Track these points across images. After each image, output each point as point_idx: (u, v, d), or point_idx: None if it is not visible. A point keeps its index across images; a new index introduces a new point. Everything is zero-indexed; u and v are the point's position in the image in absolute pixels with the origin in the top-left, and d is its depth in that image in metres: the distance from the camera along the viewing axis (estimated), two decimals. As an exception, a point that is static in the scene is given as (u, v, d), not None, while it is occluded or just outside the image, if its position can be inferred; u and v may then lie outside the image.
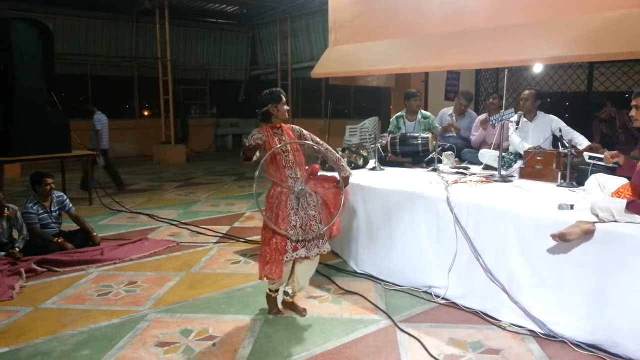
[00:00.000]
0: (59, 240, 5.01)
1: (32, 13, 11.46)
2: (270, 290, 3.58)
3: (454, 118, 6.15)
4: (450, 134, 5.90)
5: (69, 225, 5.48)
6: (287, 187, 3.36)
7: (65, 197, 5.43)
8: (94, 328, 3.41)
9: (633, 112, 3.19)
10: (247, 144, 3.31)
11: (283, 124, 3.46)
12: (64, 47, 12.82)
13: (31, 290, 4.15)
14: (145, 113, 15.64)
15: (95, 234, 5.33)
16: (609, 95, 6.03)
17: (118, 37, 14.23)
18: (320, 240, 3.46)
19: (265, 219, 3.33)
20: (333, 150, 3.63)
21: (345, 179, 3.54)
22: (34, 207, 5.07)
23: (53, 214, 5.23)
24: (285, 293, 3.62)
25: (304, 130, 3.55)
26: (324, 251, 3.49)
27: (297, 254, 3.37)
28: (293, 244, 3.34)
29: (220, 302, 3.84)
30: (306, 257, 3.41)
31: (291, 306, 3.62)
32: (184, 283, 4.26)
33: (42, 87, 7.07)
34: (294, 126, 3.53)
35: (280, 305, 3.63)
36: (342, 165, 3.56)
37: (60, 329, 3.40)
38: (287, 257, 3.33)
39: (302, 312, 3.58)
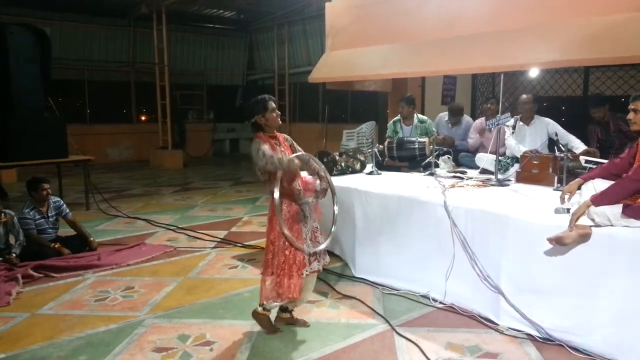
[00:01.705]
0: (56, 246, 5.00)
1: (29, 18, 11.45)
2: (264, 309, 3.34)
3: (450, 125, 6.20)
4: (445, 148, 5.76)
5: (66, 231, 5.47)
6: (294, 199, 3.23)
7: (62, 202, 5.42)
8: (91, 334, 3.40)
9: (631, 116, 3.22)
10: (270, 161, 3.05)
11: (278, 134, 3.33)
12: (61, 52, 12.80)
13: (28, 296, 4.13)
14: (143, 118, 15.63)
15: (92, 239, 5.32)
16: (605, 100, 6.05)
17: (115, 42, 14.22)
18: (323, 252, 3.38)
19: (289, 237, 3.10)
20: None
21: (325, 191, 3.39)
22: (31, 213, 5.06)
23: (50, 219, 5.22)
24: (284, 309, 3.47)
25: (294, 142, 3.42)
26: (327, 262, 3.43)
27: (312, 268, 3.24)
28: (308, 258, 3.21)
29: (218, 307, 3.83)
30: (318, 270, 3.31)
31: (290, 321, 3.50)
32: (181, 288, 4.25)
33: (39, 92, 7.05)
34: (286, 136, 3.41)
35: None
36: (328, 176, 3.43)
37: (57, 335, 3.39)
38: (306, 271, 3.18)
39: (304, 324, 3.51)
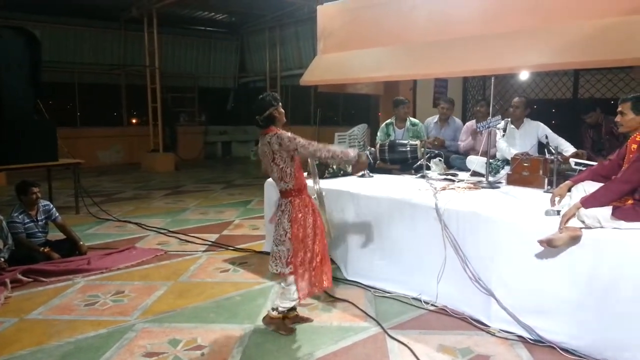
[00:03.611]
0: (45, 250, 4.95)
1: (19, 21, 11.38)
2: (278, 312, 3.38)
3: (439, 126, 6.19)
4: (436, 150, 5.66)
5: (55, 235, 5.42)
6: (306, 192, 3.34)
7: (51, 205, 5.37)
8: (81, 339, 3.37)
9: (618, 118, 3.27)
10: (312, 146, 3.15)
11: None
12: (52, 55, 12.72)
13: (17, 300, 4.09)
14: (133, 121, 15.56)
15: (81, 243, 5.27)
16: (595, 102, 6.10)
17: (106, 45, 14.17)
18: None
19: (328, 227, 3.31)
20: None
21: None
22: (20, 217, 5.01)
23: (39, 223, 5.17)
24: (291, 308, 3.47)
25: None
26: None
27: None
28: None
29: (209, 312, 3.81)
30: None
31: (297, 319, 3.54)
32: (172, 292, 4.23)
33: (29, 95, 7.01)
34: None
35: None
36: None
37: (46, 340, 3.35)
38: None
39: (308, 319, 3.59)
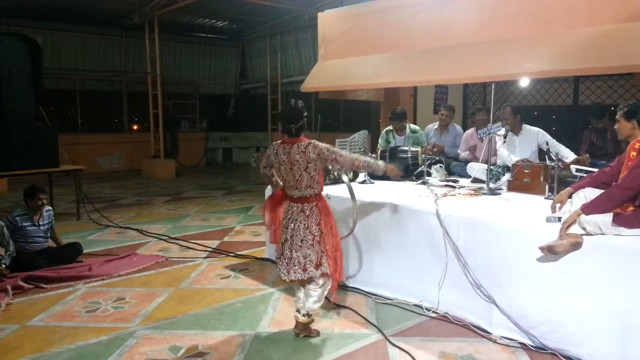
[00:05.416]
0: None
1: (20, 27, 11.43)
2: (308, 316, 3.41)
3: (439, 133, 6.20)
4: (437, 157, 5.65)
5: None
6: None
7: (52, 211, 5.38)
8: (82, 346, 3.37)
9: (616, 126, 3.36)
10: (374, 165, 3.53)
11: None
12: (53, 62, 12.78)
13: (18, 307, 4.09)
14: (134, 127, 15.59)
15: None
16: (605, 109, 6.09)
17: (107, 52, 14.21)
18: None
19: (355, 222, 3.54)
20: None
21: None
22: (17, 219, 4.99)
23: (41, 227, 5.17)
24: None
25: None
26: None
27: None
28: None
29: (210, 318, 3.81)
30: None
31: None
32: (173, 299, 4.22)
33: (30, 101, 7.03)
34: None
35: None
36: None
37: (47, 347, 3.35)
38: None
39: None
